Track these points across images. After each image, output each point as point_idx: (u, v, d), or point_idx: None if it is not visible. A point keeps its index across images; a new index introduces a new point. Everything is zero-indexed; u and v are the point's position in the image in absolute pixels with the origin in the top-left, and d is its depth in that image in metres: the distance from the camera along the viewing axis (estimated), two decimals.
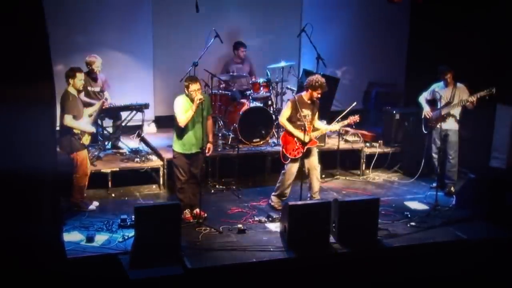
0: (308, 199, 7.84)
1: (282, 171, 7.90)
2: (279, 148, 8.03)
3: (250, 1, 10.65)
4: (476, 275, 6.97)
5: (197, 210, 7.42)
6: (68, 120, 7.34)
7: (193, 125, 7.31)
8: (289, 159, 7.76)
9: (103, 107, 8.28)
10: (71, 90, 7.44)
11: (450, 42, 9.75)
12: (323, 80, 7.68)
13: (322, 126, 8.09)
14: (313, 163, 7.88)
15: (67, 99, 7.37)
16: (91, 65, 8.66)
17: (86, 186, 7.77)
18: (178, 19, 10.24)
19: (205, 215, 7.46)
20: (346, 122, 8.00)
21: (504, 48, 9.24)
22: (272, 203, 7.97)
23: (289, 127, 7.73)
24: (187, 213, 7.43)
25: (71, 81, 7.43)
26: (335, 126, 8.17)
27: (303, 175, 7.84)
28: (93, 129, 7.74)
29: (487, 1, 9.47)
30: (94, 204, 7.82)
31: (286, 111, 7.79)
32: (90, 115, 7.76)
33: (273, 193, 8.01)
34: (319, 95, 7.69)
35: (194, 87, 7.18)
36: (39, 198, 5.57)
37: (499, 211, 7.67)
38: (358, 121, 8.02)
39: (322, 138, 9.30)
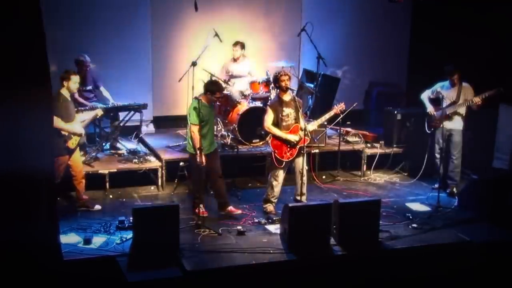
0: (293, 202, 7.59)
1: (270, 178, 7.73)
2: None
3: None
4: (479, 277, 6.90)
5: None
6: (56, 122, 7.21)
7: None
8: (284, 163, 7.61)
9: (98, 117, 8.31)
10: (64, 92, 7.37)
11: (452, 42, 9.70)
12: (283, 70, 7.72)
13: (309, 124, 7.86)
14: (300, 165, 7.66)
15: (57, 101, 7.24)
16: (80, 65, 8.76)
17: (84, 187, 7.69)
18: (177, 18, 10.22)
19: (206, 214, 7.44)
20: (331, 113, 7.84)
21: (507, 48, 9.19)
22: (266, 210, 7.75)
23: (277, 131, 7.54)
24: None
25: (65, 83, 7.36)
26: (320, 120, 7.91)
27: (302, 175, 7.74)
28: (81, 131, 7.54)
29: (489, 0, 9.40)
30: (96, 208, 7.73)
31: (268, 117, 7.58)
32: (82, 122, 7.69)
33: (264, 201, 7.83)
34: (287, 82, 7.54)
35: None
36: (36, 199, 5.52)
37: (502, 212, 7.60)
38: (343, 108, 7.89)
39: (322, 138, 9.23)
